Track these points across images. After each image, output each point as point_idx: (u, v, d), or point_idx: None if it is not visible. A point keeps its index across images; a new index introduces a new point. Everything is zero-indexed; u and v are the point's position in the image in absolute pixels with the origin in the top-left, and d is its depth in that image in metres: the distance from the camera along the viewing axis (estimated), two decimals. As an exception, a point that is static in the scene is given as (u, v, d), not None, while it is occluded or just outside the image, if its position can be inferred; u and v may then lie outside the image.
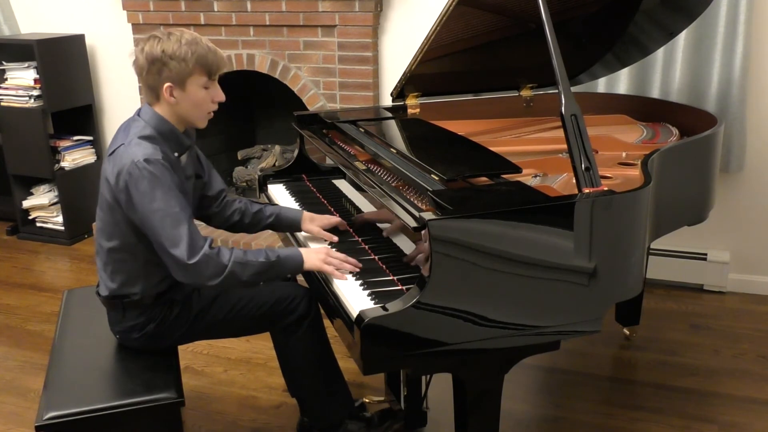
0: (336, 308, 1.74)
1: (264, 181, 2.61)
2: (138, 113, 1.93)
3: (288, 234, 2.27)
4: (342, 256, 1.87)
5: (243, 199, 2.24)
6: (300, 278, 2.16)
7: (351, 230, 2.13)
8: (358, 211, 2.16)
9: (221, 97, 1.93)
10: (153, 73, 1.84)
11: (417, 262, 1.74)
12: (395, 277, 1.78)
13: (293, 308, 2.05)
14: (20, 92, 4.04)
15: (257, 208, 2.20)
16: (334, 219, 2.13)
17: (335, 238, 2.06)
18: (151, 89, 1.88)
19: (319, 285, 1.90)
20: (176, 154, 1.92)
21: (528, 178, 2.03)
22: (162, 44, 1.82)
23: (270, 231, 2.29)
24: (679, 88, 3.16)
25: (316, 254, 1.88)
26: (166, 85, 1.84)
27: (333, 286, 1.81)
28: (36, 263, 3.99)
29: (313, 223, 2.13)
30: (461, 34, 2.47)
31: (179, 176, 1.90)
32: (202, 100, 1.89)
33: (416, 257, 1.75)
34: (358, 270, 1.84)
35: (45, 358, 2.53)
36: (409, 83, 2.59)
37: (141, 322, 1.98)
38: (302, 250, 1.92)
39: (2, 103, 4.08)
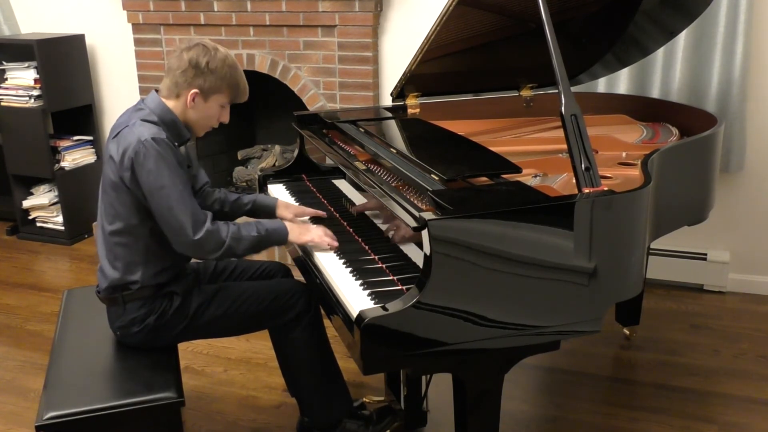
0: (336, 308, 1.74)
1: (264, 181, 2.61)
2: (142, 101, 2.01)
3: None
4: (321, 230, 2.02)
5: (222, 189, 2.31)
6: (299, 277, 2.17)
7: (351, 231, 2.13)
8: (359, 211, 2.16)
9: (227, 119, 2.09)
10: (188, 76, 1.96)
11: (395, 240, 1.83)
12: (395, 277, 1.78)
13: (292, 304, 2.07)
14: (20, 92, 4.04)
15: (235, 197, 2.28)
16: (309, 210, 2.22)
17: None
18: (176, 86, 1.98)
19: (318, 283, 1.91)
20: (175, 144, 1.99)
21: (528, 178, 2.03)
22: (208, 57, 1.96)
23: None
24: (679, 88, 3.16)
25: (298, 228, 2.05)
26: (194, 91, 1.97)
27: (333, 286, 1.81)
28: (36, 263, 3.99)
29: (288, 210, 2.23)
30: (461, 34, 2.47)
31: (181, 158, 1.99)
32: (213, 115, 2.04)
33: (394, 233, 1.83)
34: (336, 245, 1.99)
35: (45, 358, 2.53)
36: (409, 83, 2.59)
37: (141, 315, 1.99)
38: (286, 223, 2.06)
39: (2, 103, 4.08)
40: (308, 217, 2.21)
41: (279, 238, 2.02)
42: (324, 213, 2.21)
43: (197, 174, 2.24)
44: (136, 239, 1.97)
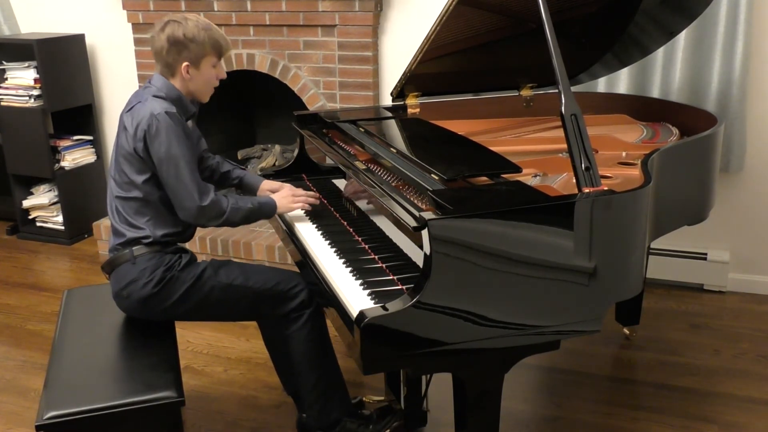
0: (336, 307, 1.74)
1: (264, 180, 2.61)
2: (149, 81, 2.14)
3: (278, 218, 2.37)
4: (303, 191, 2.26)
5: (217, 157, 2.41)
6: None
7: (351, 230, 2.13)
8: (359, 211, 2.16)
9: (224, 74, 2.19)
10: (173, 54, 2.07)
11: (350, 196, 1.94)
12: (395, 277, 1.78)
13: (295, 294, 2.10)
14: (20, 92, 4.04)
15: (227, 168, 2.41)
16: (285, 186, 2.34)
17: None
18: (168, 66, 2.10)
19: (318, 282, 1.90)
20: (184, 118, 2.11)
21: (528, 177, 2.03)
22: (183, 28, 2.06)
23: (271, 231, 2.35)
24: (679, 87, 3.16)
25: (283, 197, 2.23)
26: (185, 64, 2.08)
27: (333, 286, 1.81)
28: (36, 263, 3.99)
29: (266, 186, 2.36)
30: (461, 34, 2.47)
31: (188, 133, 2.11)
32: (210, 77, 2.15)
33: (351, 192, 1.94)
34: (317, 202, 2.25)
35: (45, 358, 2.54)
36: (409, 83, 2.59)
37: (151, 266, 2.05)
38: (273, 196, 2.24)
39: (2, 103, 4.08)
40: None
41: (269, 210, 2.20)
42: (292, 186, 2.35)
43: (198, 143, 2.34)
44: (146, 204, 2.08)
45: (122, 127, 2.08)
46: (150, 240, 2.07)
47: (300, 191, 2.28)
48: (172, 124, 2.00)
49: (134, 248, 2.07)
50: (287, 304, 2.10)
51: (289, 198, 2.23)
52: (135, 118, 2.03)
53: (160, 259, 2.07)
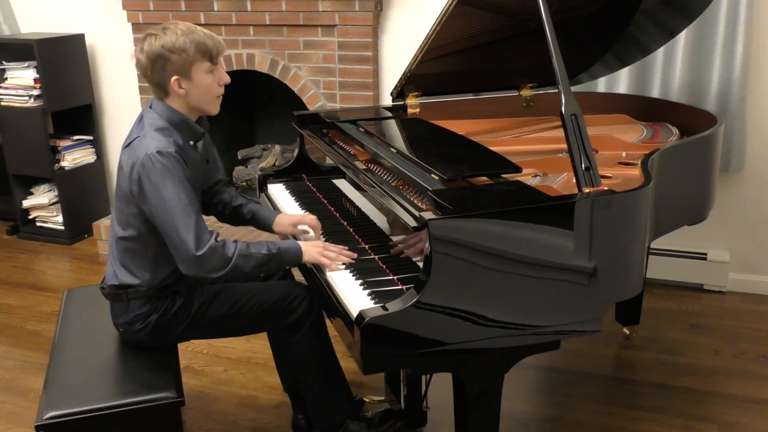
0: (336, 308, 1.74)
1: (264, 180, 2.61)
2: (150, 105, 1.97)
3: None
4: (338, 248, 1.94)
5: (232, 191, 2.27)
6: (300, 278, 2.17)
7: (351, 230, 2.13)
8: (359, 211, 2.16)
9: (226, 78, 1.98)
10: (158, 70, 1.89)
11: (408, 254, 1.79)
12: (395, 277, 1.78)
13: (295, 307, 2.06)
14: (20, 92, 4.04)
15: (239, 203, 2.24)
16: (307, 218, 2.14)
17: (310, 232, 2.11)
18: (158, 86, 1.92)
19: (318, 283, 1.90)
20: (191, 142, 1.98)
21: (528, 177, 2.03)
22: (160, 40, 1.87)
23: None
24: (679, 87, 3.16)
25: (314, 247, 1.95)
26: (173, 78, 1.89)
27: (333, 286, 1.81)
28: (36, 263, 3.99)
29: (283, 223, 2.17)
30: (461, 34, 2.47)
31: (193, 166, 1.95)
32: (209, 85, 1.94)
33: (407, 248, 1.80)
34: (353, 261, 1.89)
35: (45, 358, 2.53)
36: (409, 83, 2.59)
37: (144, 312, 1.99)
38: (301, 243, 1.98)
39: (2, 103, 4.08)
40: (320, 233, 2.11)
41: (292, 257, 1.95)
42: (315, 218, 2.12)
43: (214, 169, 2.22)
44: (145, 247, 1.96)
45: (120, 164, 1.93)
46: (144, 288, 1.98)
47: (334, 246, 1.95)
48: (166, 164, 1.82)
49: (128, 290, 1.98)
50: (287, 318, 2.06)
51: (319, 249, 1.93)
52: (131, 158, 1.87)
53: (153, 305, 1.99)
